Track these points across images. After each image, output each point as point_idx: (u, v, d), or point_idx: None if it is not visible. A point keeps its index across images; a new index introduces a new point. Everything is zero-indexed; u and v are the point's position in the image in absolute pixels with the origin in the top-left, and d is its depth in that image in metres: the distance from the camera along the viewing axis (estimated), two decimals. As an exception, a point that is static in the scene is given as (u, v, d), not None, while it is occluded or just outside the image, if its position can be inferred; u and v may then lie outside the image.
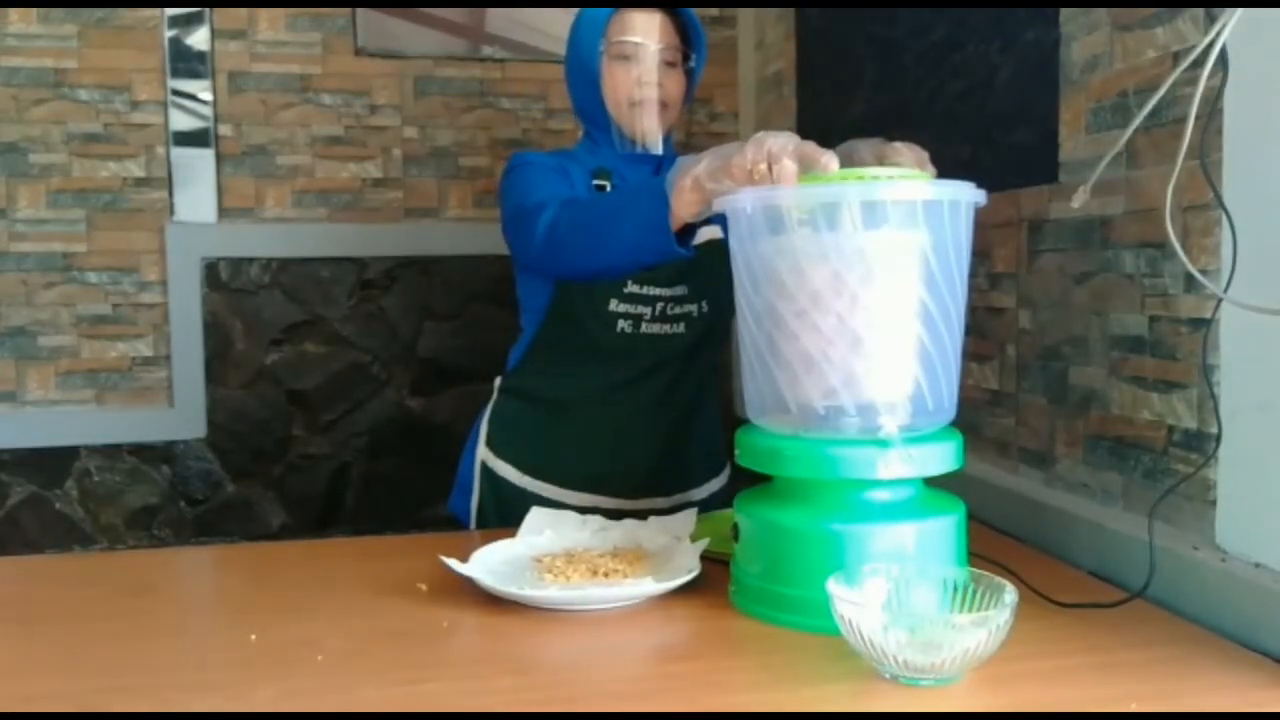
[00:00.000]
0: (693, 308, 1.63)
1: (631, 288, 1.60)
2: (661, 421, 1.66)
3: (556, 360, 1.67)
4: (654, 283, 1.60)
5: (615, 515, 1.47)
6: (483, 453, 1.72)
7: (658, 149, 1.62)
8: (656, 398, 1.65)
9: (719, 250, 1.58)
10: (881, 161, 1.35)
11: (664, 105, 1.61)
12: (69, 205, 2.46)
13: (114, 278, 2.50)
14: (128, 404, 2.53)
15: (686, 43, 1.63)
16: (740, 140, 1.23)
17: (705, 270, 1.58)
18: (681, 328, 1.63)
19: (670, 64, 1.61)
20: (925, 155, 1.34)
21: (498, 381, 1.77)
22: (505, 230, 1.61)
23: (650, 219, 1.31)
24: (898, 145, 1.35)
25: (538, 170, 1.61)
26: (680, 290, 1.61)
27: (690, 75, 1.65)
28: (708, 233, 1.61)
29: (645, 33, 1.58)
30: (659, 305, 1.61)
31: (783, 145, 1.14)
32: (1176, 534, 1.20)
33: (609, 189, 1.62)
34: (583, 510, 1.49)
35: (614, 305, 1.60)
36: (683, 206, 1.27)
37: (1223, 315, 1.14)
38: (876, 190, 1.11)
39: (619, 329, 1.60)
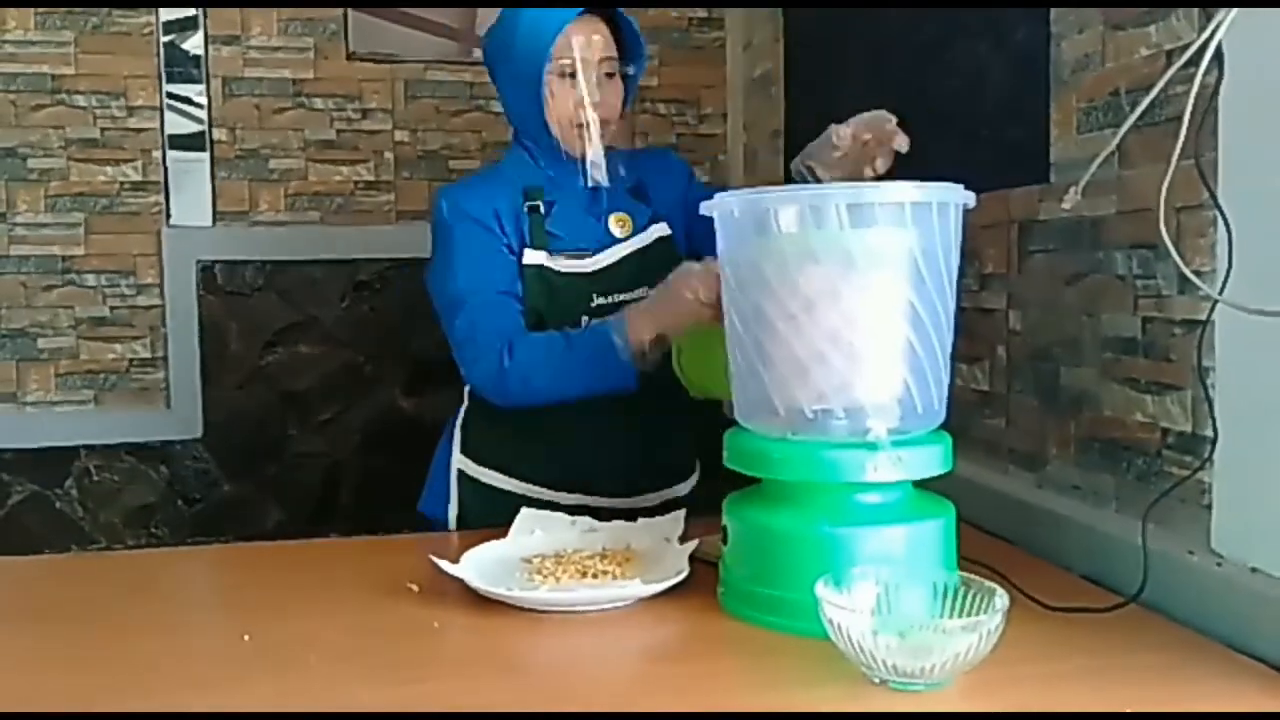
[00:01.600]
0: None
1: (598, 300, 1.58)
2: (631, 422, 1.62)
3: None
4: (618, 289, 1.59)
5: (576, 511, 1.48)
6: (459, 460, 1.71)
7: (603, 179, 1.57)
8: (633, 400, 1.60)
9: (669, 248, 1.63)
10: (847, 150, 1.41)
11: (606, 123, 1.57)
12: (67, 209, 2.48)
13: (111, 280, 2.52)
14: (125, 405, 2.55)
15: (625, 50, 1.59)
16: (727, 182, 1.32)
17: (658, 269, 1.57)
18: None
19: (610, 75, 1.58)
20: (888, 119, 1.38)
21: (467, 389, 1.72)
22: (431, 288, 1.61)
23: (614, 381, 1.47)
24: (852, 123, 1.41)
25: (464, 243, 1.57)
26: (641, 292, 1.59)
27: (628, 82, 1.61)
28: (656, 230, 1.64)
29: (589, 48, 1.54)
30: None
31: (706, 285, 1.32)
32: (1171, 538, 1.18)
33: (542, 208, 1.59)
34: (552, 506, 1.50)
35: (585, 322, 1.58)
36: (638, 337, 1.43)
37: (1218, 317, 1.12)
38: (863, 193, 1.11)
39: None
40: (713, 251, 1.52)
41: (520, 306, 1.57)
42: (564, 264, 1.58)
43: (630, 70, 1.60)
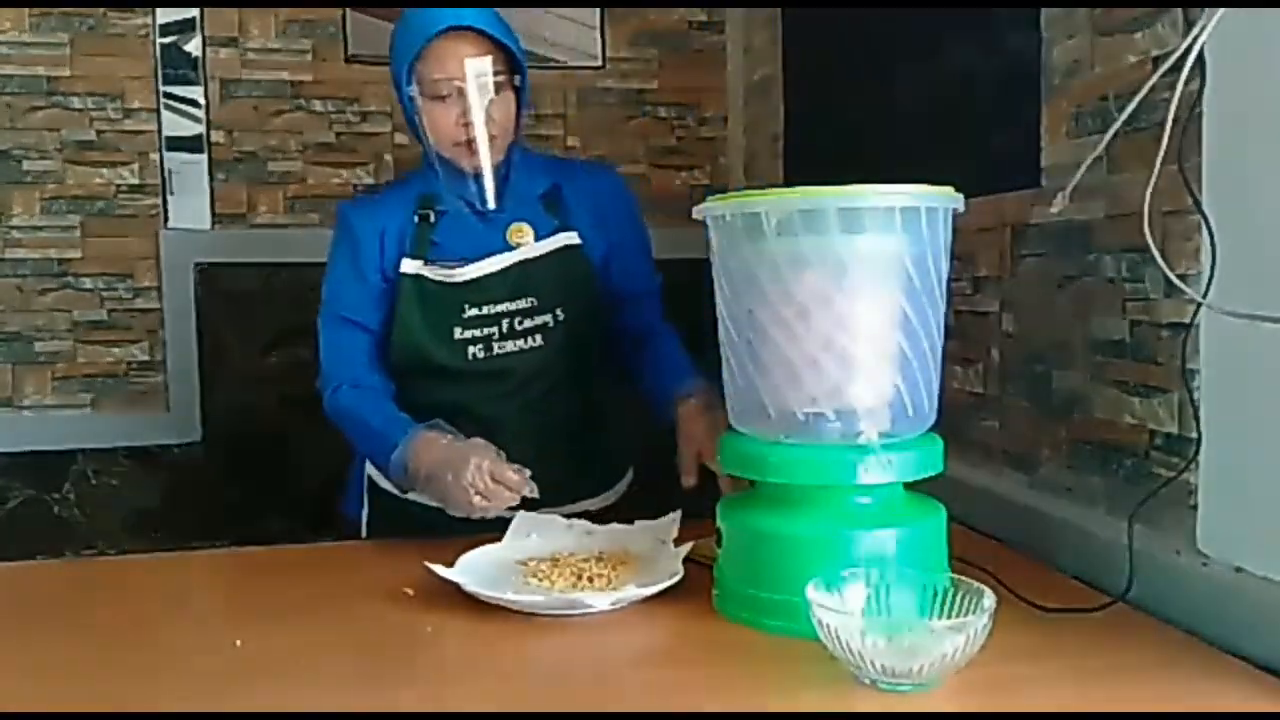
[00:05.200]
0: (546, 318, 1.59)
1: (471, 311, 1.56)
2: (538, 435, 1.59)
3: (416, 386, 1.61)
4: (494, 300, 1.57)
5: (496, 526, 1.43)
6: (369, 468, 1.68)
7: (491, 202, 1.54)
8: (529, 411, 1.60)
9: (574, 258, 1.60)
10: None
11: (493, 137, 1.51)
12: (63, 212, 2.47)
13: (109, 283, 2.51)
14: (124, 408, 2.55)
15: (506, 60, 1.51)
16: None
17: (554, 279, 1.57)
18: (538, 340, 1.58)
19: (495, 90, 1.50)
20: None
21: None
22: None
23: (379, 463, 1.51)
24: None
25: (337, 260, 1.61)
26: (526, 303, 1.58)
27: (518, 92, 1.54)
28: (563, 238, 1.60)
29: (458, 67, 1.47)
30: (505, 321, 1.57)
31: (481, 477, 1.34)
32: (1158, 538, 1.19)
33: (432, 217, 1.58)
34: (461, 521, 1.43)
35: (460, 333, 1.57)
36: (409, 483, 1.46)
37: (1202, 320, 1.13)
38: (855, 198, 1.11)
39: (470, 355, 1.57)
40: (622, 289, 1.64)
41: (366, 335, 1.59)
42: (438, 273, 1.56)
43: (517, 81, 1.53)
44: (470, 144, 1.51)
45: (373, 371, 1.59)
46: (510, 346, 1.58)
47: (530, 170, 1.62)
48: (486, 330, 1.57)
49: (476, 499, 1.34)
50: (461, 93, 1.48)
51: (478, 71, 1.48)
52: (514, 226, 1.60)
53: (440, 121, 1.51)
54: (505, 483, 1.34)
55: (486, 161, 1.52)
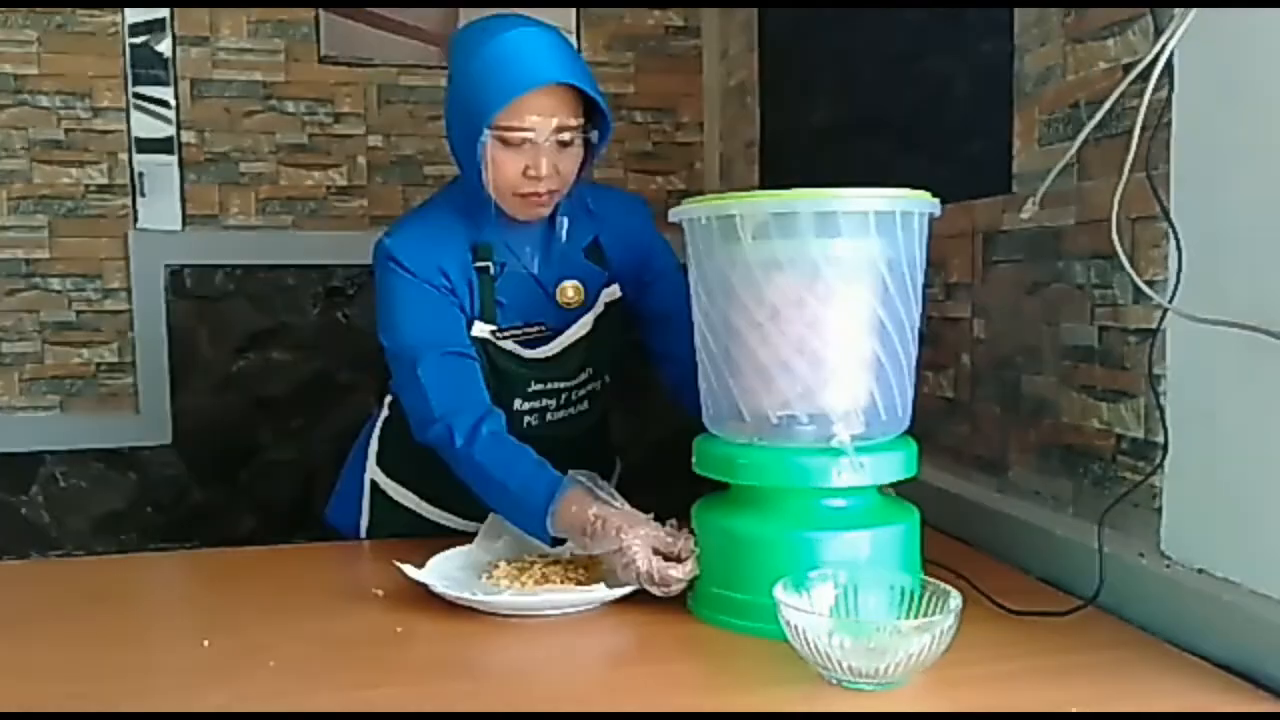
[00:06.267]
0: (595, 385, 1.56)
1: (536, 387, 1.50)
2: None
3: None
4: (560, 378, 1.51)
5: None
6: (372, 471, 1.64)
7: (563, 238, 1.46)
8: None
9: (616, 315, 1.52)
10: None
11: (554, 191, 1.40)
12: (31, 212, 2.45)
13: (77, 284, 2.49)
14: (93, 410, 2.52)
15: (587, 112, 1.40)
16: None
17: (606, 345, 1.52)
18: (585, 405, 1.56)
19: (566, 144, 1.38)
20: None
21: (387, 399, 1.66)
22: (381, 339, 1.46)
23: (529, 530, 1.32)
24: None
25: (410, 298, 1.43)
26: (585, 374, 1.53)
27: (590, 148, 1.43)
28: (606, 295, 1.52)
29: (540, 118, 1.34)
30: (563, 395, 1.53)
31: (650, 565, 1.19)
32: (1124, 541, 1.21)
33: (492, 269, 1.46)
34: (461, 534, 1.44)
35: (519, 405, 1.50)
36: (562, 533, 1.29)
37: (1169, 325, 1.15)
38: (829, 202, 1.12)
39: (525, 424, 1.51)
40: (662, 310, 1.51)
41: (476, 363, 1.44)
42: (509, 344, 1.47)
43: (594, 137, 1.43)
44: (527, 196, 1.40)
45: (491, 403, 1.43)
46: (562, 414, 1.55)
47: (573, 218, 1.49)
48: (545, 402, 1.53)
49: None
50: (532, 145, 1.36)
51: (563, 124, 1.36)
52: (566, 286, 1.51)
53: (506, 168, 1.37)
54: (669, 580, 1.21)
55: (543, 213, 1.43)
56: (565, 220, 1.47)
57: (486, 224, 1.45)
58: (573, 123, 1.38)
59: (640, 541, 1.21)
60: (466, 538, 1.42)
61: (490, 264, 1.46)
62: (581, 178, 1.45)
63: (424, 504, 1.60)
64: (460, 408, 1.38)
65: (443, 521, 1.58)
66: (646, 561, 1.19)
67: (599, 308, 1.51)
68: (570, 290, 1.51)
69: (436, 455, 1.41)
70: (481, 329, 1.46)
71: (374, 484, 1.65)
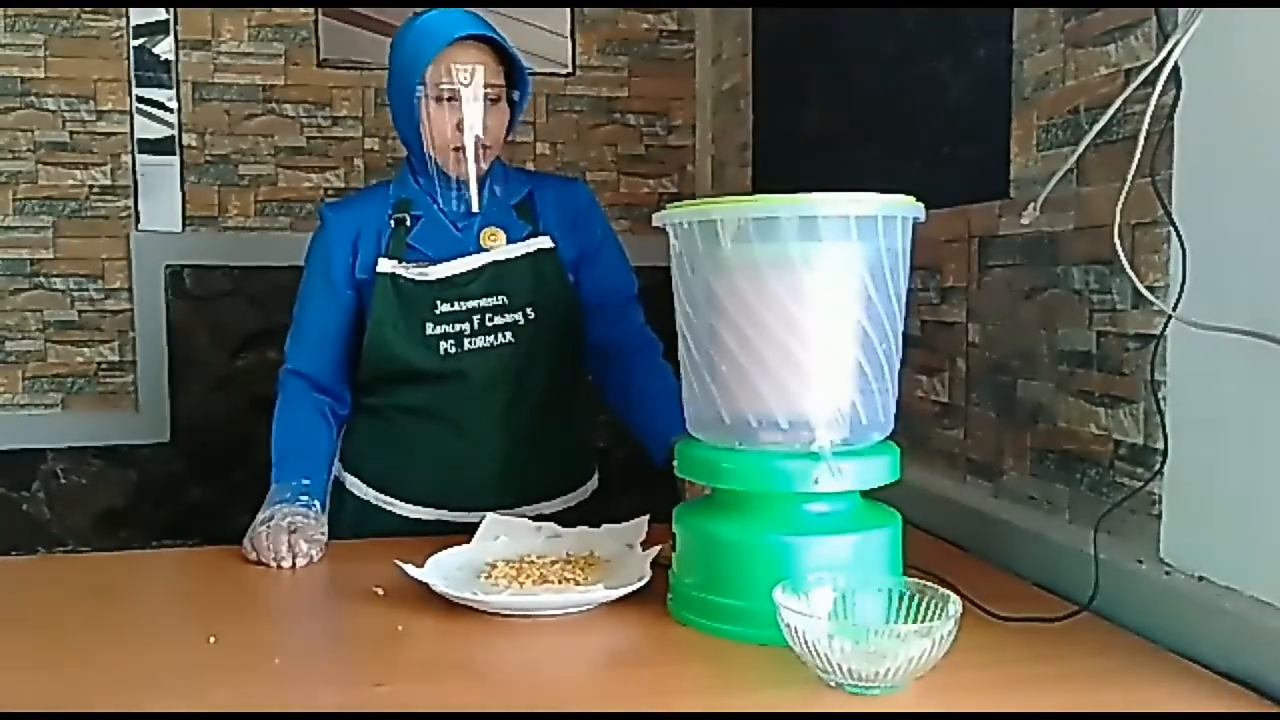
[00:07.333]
0: (516, 316, 1.63)
1: (443, 307, 1.61)
2: (506, 436, 1.64)
3: (388, 391, 1.66)
4: (466, 296, 1.61)
5: (462, 529, 1.48)
6: (336, 469, 1.71)
7: (475, 206, 1.60)
8: (498, 411, 1.64)
9: (546, 260, 1.65)
10: None
11: (486, 147, 1.58)
12: (36, 212, 2.48)
13: (80, 284, 2.52)
14: (93, 408, 2.56)
15: (510, 75, 1.60)
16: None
17: (525, 279, 1.62)
18: (509, 336, 1.62)
19: (494, 101, 1.58)
20: None
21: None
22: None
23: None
24: None
25: (313, 271, 1.68)
26: (498, 300, 1.62)
27: (513, 108, 1.62)
28: (535, 243, 1.65)
29: (468, 73, 1.54)
30: (477, 318, 1.61)
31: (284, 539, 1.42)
32: (1121, 547, 1.20)
33: (408, 221, 1.64)
34: (429, 524, 1.55)
35: (431, 329, 1.60)
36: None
37: (1170, 332, 1.14)
38: (811, 206, 1.11)
39: (442, 351, 1.60)
40: (596, 298, 1.68)
41: (329, 352, 1.67)
42: (412, 271, 1.61)
43: (515, 96, 1.62)
44: (462, 150, 1.56)
45: (326, 372, 1.68)
46: (480, 342, 1.61)
47: (506, 179, 1.68)
48: (458, 326, 1.60)
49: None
50: (464, 99, 1.54)
51: (488, 81, 1.56)
52: (487, 231, 1.64)
53: (438, 124, 1.57)
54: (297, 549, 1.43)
55: (473, 168, 1.57)
56: (480, 185, 1.61)
57: (415, 186, 1.66)
58: (496, 81, 1.57)
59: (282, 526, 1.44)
60: (460, 536, 1.45)
61: (407, 215, 1.65)
62: (509, 137, 1.63)
63: (371, 491, 1.68)
64: (295, 378, 1.68)
65: (392, 509, 1.66)
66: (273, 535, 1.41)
67: (520, 250, 1.65)
68: (492, 235, 1.65)
69: (387, 445, 1.65)
70: (385, 264, 1.62)
71: (338, 483, 1.71)
